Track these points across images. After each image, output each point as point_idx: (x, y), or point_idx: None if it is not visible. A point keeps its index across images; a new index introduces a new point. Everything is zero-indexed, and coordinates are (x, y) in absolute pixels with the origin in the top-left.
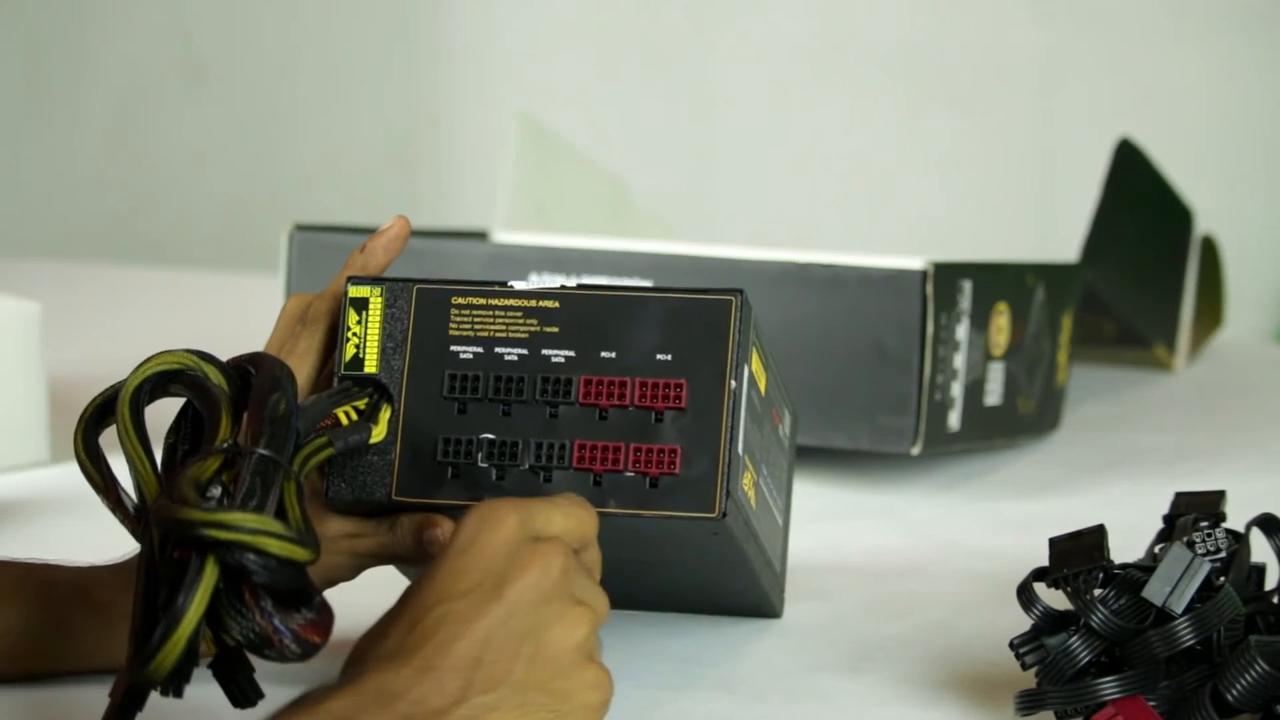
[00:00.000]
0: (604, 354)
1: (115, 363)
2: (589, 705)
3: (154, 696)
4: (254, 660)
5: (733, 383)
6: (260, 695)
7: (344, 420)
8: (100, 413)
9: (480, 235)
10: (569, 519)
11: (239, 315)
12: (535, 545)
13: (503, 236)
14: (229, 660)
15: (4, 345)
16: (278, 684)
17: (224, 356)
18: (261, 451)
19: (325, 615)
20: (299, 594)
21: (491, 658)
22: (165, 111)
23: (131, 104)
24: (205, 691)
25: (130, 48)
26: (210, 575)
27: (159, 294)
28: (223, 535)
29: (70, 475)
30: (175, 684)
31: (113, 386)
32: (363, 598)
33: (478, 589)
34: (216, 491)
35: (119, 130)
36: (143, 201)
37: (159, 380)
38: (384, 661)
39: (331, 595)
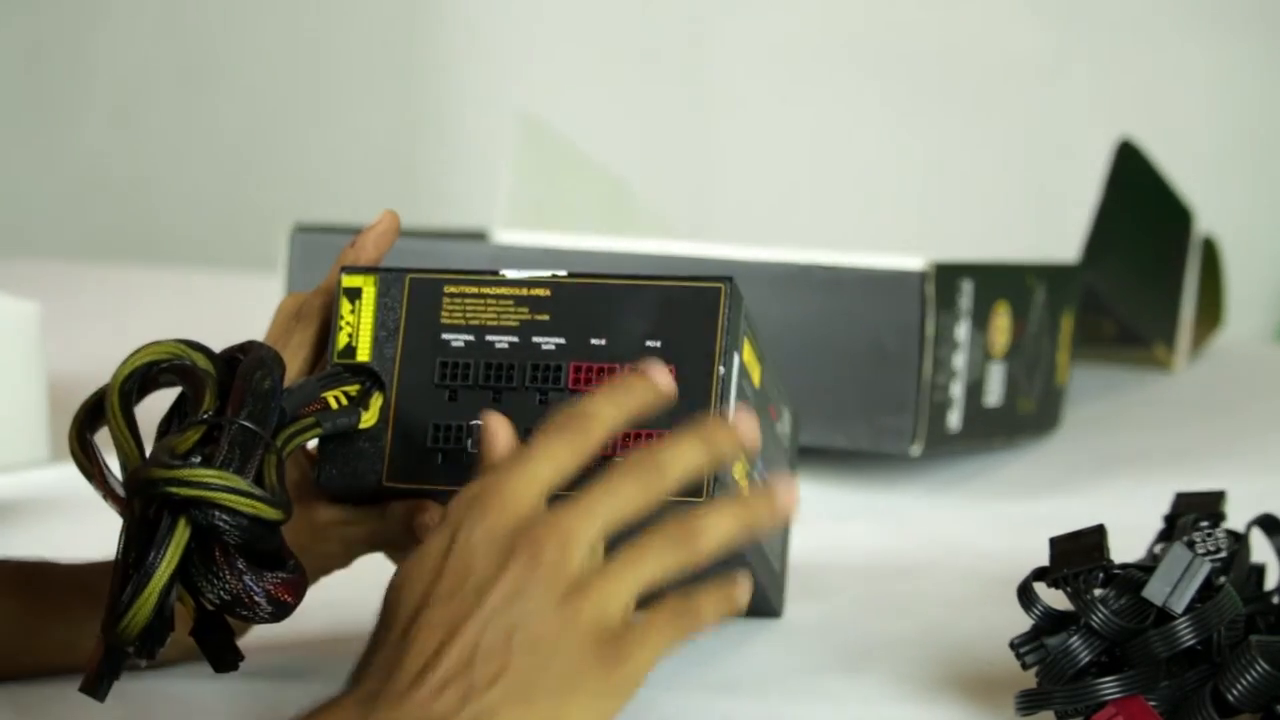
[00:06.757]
0: (594, 341)
1: (115, 363)
2: (599, 691)
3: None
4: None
5: (721, 369)
6: (240, 658)
7: (334, 405)
8: (93, 412)
9: (480, 235)
10: (558, 465)
11: (239, 315)
12: (518, 537)
13: (503, 236)
14: (208, 624)
15: (4, 345)
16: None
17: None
18: (242, 422)
19: (298, 576)
20: (271, 555)
21: (483, 656)
22: (164, 111)
23: (131, 103)
24: (203, 692)
25: (130, 48)
26: (181, 534)
27: (159, 294)
28: (187, 492)
29: (70, 475)
30: (148, 645)
31: (104, 386)
32: (358, 596)
33: (458, 593)
34: (197, 460)
35: (118, 129)
36: (142, 201)
37: (148, 370)
38: (380, 671)
39: (325, 589)
